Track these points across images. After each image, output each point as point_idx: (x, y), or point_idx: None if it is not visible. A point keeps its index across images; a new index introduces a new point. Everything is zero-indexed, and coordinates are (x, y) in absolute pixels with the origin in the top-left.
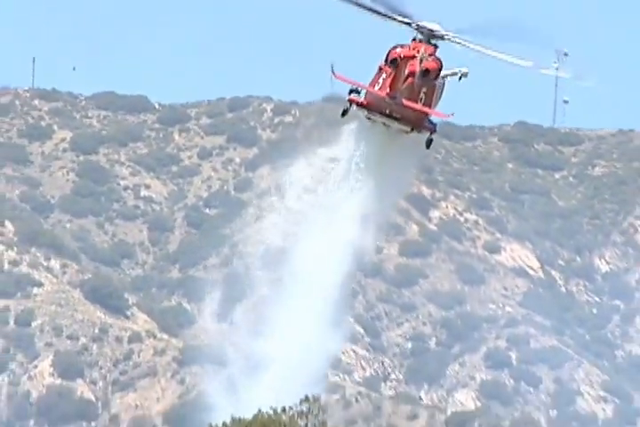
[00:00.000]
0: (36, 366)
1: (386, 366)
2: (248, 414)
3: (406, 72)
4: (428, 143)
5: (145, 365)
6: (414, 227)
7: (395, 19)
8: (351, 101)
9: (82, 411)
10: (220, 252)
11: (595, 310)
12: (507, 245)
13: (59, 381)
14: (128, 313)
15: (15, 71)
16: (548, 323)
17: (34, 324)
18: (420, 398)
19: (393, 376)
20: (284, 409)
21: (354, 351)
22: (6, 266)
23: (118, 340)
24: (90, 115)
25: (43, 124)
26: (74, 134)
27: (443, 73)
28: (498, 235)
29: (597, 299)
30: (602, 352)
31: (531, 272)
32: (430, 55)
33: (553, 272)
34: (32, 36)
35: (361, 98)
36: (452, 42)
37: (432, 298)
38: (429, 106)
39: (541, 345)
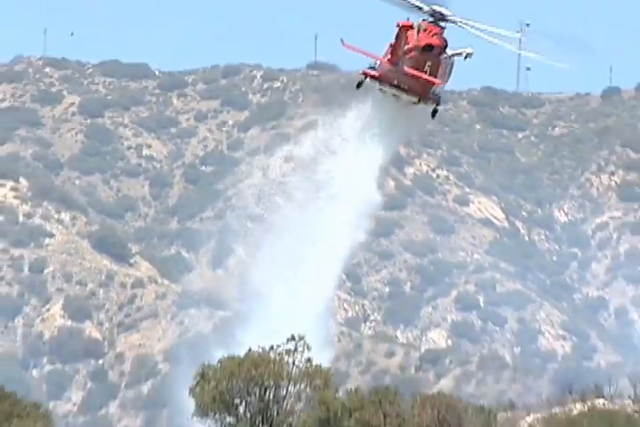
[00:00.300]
0: (48, 310)
1: (366, 308)
2: (240, 353)
3: (409, 44)
4: (433, 113)
5: (147, 308)
6: (391, 182)
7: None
8: (365, 74)
9: (90, 350)
10: (214, 205)
11: (554, 257)
12: (475, 198)
13: (69, 322)
14: (131, 261)
15: (28, 42)
16: (512, 269)
17: (46, 271)
18: (397, 338)
19: (372, 318)
20: (272, 347)
21: (337, 295)
22: (21, 218)
23: (123, 285)
24: (96, 81)
25: (53, 89)
26: (82, 99)
27: (450, 53)
28: (466, 189)
29: (557, 247)
30: (561, 295)
31: (496, 223)
32: (431, 31)
33: (516, 223)
34: (43, 9)
35: (374, 71)
36: (458, 25)
37: (407, 247)
38: (433, 82)
39: (506, 289)
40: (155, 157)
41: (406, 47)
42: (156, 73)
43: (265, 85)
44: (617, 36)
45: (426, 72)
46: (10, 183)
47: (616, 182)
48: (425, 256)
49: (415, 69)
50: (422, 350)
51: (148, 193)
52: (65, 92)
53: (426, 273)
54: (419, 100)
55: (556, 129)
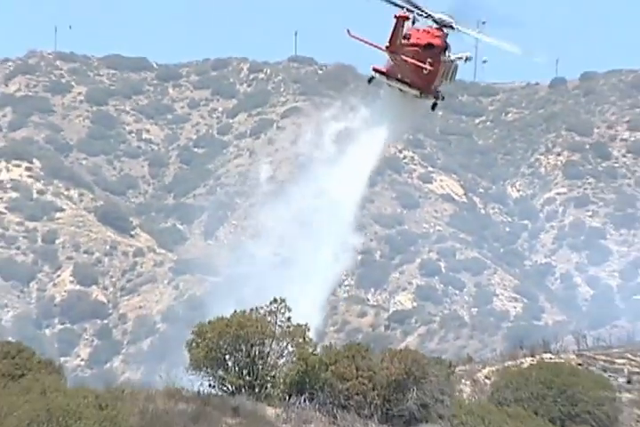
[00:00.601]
0: (59, 276)
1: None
2: (228, 314)
3: (411, 40)
4: (433, 106)
5: (146, 274)
6: None
7: (414, 8)
8: (375, 70)
9: (96, 311)
10: (206, 183)
11: (507, 229)
12: (437, 176)
13: (77, 287)
14: (132, 233)
15: (40, 38)
16: (470, 239)
17: (57, 241)
18: (368, 300)
19: (346, 282)
20: (256, 308)
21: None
22: (35, 195)
23: (125, 254)
24: (101, 73)
25: (63, 80)
26: (88, 89)
27: (452, 57)
28: (430, 168)
29: (509, 219)
30: (513, 262)
31: (456, 198)
32: (434, 33)
33: (474, 198)
34: (54, 9)
35: (382, 67)
36: (461, 32)
37: (377, 219)
38: (434, 78)
39: (465, 257)
40: (153, 140)
41: (408, 42)
42: (154, 65)
43: (251, 76)
44: (562, 31)
45: (426, 69)
46: (25, 164)
47: (562, 162)
48: (393, 228)
49: (415, 68)
50: (391, 311)
51: (147, 172)
52: (73, 83)
53: (394, 243)
54: (420, 94)
55: (509, 115)
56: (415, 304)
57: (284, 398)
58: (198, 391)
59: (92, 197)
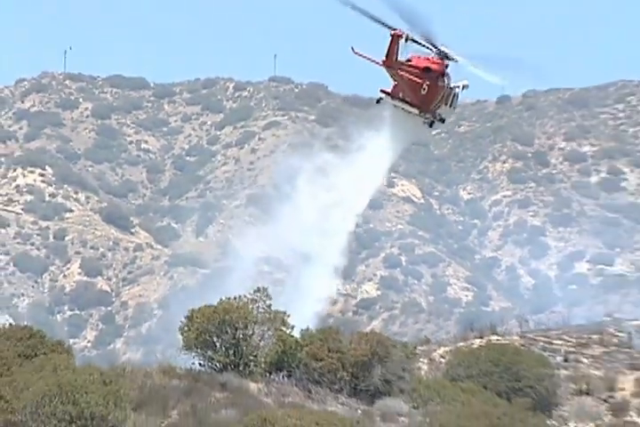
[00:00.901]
0: (68, 268)
1: None
2: (215, 302)
3: (411, 62)
4: (430, 124)
5: (145, 267)
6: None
7: (423, 41)
8: (382, 91)
9: (101, 299)
10: (197, 187)
11: (459, 227)
12: (399, 181)
13: (84, 278)
14: (133, 231)
15: (52, 60)
16: (427, 236)
17: (66, 238)
18: (339, 289)
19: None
20: (240, 297)
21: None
22: (47, 198)
23: (126, 249)
24: (105, 91)
25: (72, 98)
26: (93, 105)
27: (452, 84)
28: (393, 174)
29: (461, 218)
30: (465, 256)
31: (415, 200)
32: (434, 61)
33: (431, 200)
34: (64, 35)
35: (387, 89)
36: (461, 64)
37: None
38: (432, 99)
39: (422, 251)
40: (150, 149)
41: (410, 65)
42: (152, 85)
43: (236, 94)
44: (509, 53)
45: (424, 90)
46: (38, 171)
47: (507, 169)
48: (360, 226)
49: (413, 88)
50: (358, 298)
51: (146, 178)
52: (81, 100)
53: (361, 239)
54: (420, 112)
55: (461, 127)
56: (379, 293)
57: (265, 375)
58: (190, 369)
59: (97, 199)
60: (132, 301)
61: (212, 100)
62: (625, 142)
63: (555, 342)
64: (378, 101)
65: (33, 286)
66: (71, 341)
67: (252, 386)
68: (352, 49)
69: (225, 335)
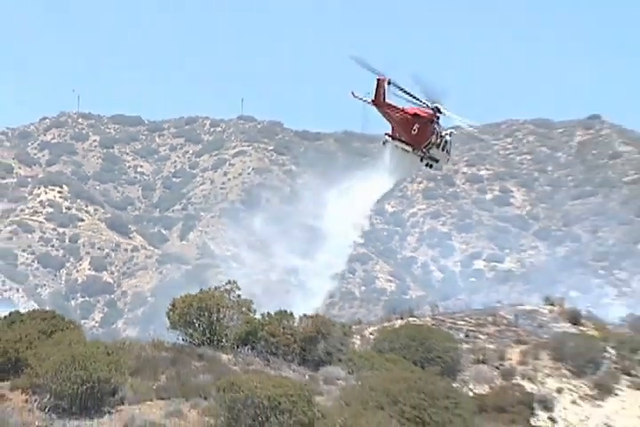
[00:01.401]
0: (80, 265)
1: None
2: (195, 291)
3: (404, 109)
4: (421, 159)
5: (140, 263)
6: (287, 187)
7: (416, 100)
8: (386, 134)
9: (105, 289)
10: (181, 202)
11: (385, 233)
12: None
13: (93, 272)
14: (131, 235)
15: (68, 102)
16: (361, 240)
17: (79, 241)
18: (291, 281)
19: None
20: (216, 288)
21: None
22: (64, 210)
23: (125, 250)
24: (109, 127)
25: (83, 132)
26: (100, 138)
27: (443, 133)
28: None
29: (387, 227)
30: (389, 256)
31: None
32: (425, 110)
33: None
34: (78, 82)
35: (389, 132)
36: (449, 117)
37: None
38: (422, 139)
39: (357, 252)
40: (144, 172)
41: (404, 111)
42: (146, 122)
43: (211, 129)
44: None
45: (414, 131)
46: (57, 189)
47: (422, 188)
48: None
49: (405, 128)
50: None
51: (141, 195)
52: (90, 133)
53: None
54: (413, 150)
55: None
56: None
57: (234, 348)
58: (175, 344)
59: (103, 211)
60: (130, 290)
61: (192, 134)
62: (513, 167)
63: (458, 322)
64: (384, 143)
65: (52, 279)
66: (82, 321)
67: (224, 357)
68: (352, 93)
69: (202, 318)
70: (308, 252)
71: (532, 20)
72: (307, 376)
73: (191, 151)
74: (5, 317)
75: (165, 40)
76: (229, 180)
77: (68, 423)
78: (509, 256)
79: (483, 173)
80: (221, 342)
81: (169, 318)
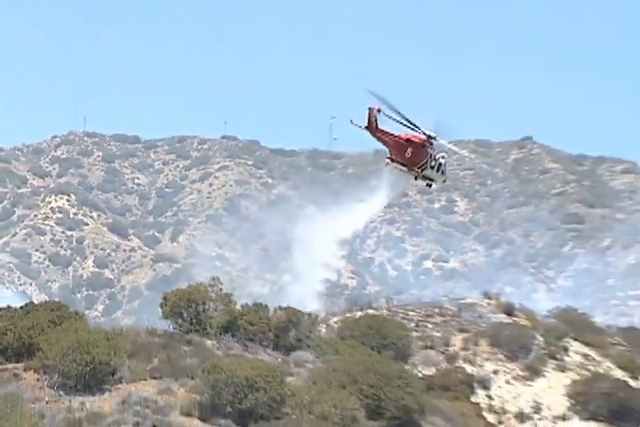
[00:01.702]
0: (85, 262)
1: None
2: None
3: (400, 135)
4: (415, 178)
5: (137, 262)
6: (264, 197)
7: (411, 126)
8: (387, 158)
9: (107, 283)
10: (172, 209)
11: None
12: (307, 205)
13: (96, 269)
14: (129, 238)
15: (75, 122)
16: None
17: (84, 243)
18: (266, 277)
19: (253, 268)
20: (201, 283)
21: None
22: (71, 215)
23: (124, 251)
24: (111, 144)
25: (88, 148)
26: (103, 153)
27: (437, 156)
28: (302, 202)
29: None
30: (352, 256)
31: None
32: (417, 136)
33: None
34: (85, 104)
35: (389, 156)
36: (440, 143)
37: (268, 232)
38: (416, 161)
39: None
40: (141, 183)
41: (400, 137)
42: (142, 140)
43: (199, 147)
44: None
45: (408, 154)
46: (66, 197)
47: None
48: (282, 236)
49: (399, 151)
50: (279, 285)
51: (138, 203)
52: (94, 150)
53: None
54: (408, 169)
55: (349, 170)
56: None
57: (217, 335)
58: (166, 331)
59: (105, 217)
60: (127, 285)
61: (182, 151)
62: (457, 181)
63: (409, 313)
64: (386, 165)
65: (61, 275)
66: (86, 311)
67: (208, 343)
68: (350, 121)
69: (190, 309)
70: (285, 254)
71: (472, 50)
72: (279, 360)
73: (181, 166)
74: (21, 307)
75: (160, 68)
76: (214, 190)
77: (74, 399)
78: (454, 257)
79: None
80: (206, 329)
81: (161, 309)
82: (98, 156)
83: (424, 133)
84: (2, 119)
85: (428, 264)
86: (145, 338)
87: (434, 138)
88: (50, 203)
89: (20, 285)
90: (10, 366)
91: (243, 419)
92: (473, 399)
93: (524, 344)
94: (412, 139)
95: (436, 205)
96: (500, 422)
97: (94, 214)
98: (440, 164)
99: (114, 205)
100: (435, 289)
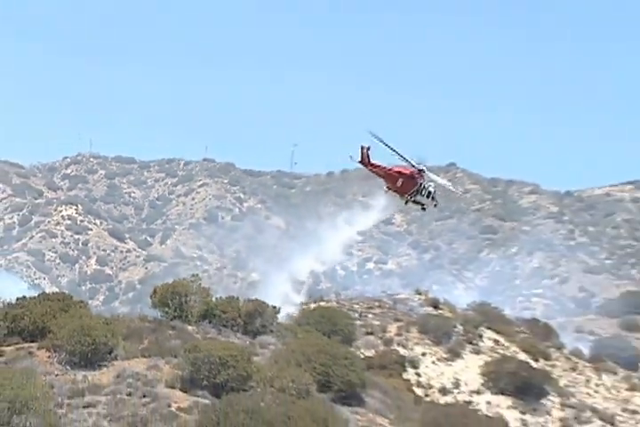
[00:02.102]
0: (89, 261)
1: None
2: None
3: (392, 167)
4: (406, 202)
5: (132, 261)
6: (237, 209)
7: (402, 158)
8: (386, 186)
9: (107, 278)
10: (161, 218)
11: None
12: (272, 216)
13: (98, 267)
14: (126, 241)
15: (82, 146)
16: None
17: (88, 245)
18: (237, 275)
19: (227, 266)
20: (184, 279)
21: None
22: (78, 222)
23: (122, 252)
24: (112, 164)
25: (93, 167)
26: (105, 172)
27: (427, 185)
28: (268, 213)
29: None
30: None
31: (281, 228)
32: (407, 168)
33: (291, 228)
34: (92, 130)
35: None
36: (426, 173)
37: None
38: (406, 189)
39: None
40: (136, 197)
41: (391, 169)
42: (137, 161)
43: (184, 167)
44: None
45: (399, 183)
46: (74, 207)
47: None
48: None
49: (392, 181)
50: (249, 280)
51: (133, 212)
52: (98, 169)
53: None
54: (400, 196)
55: (307, 188)
56: (259, 278)
57: (196, 322)
58: (155, 318)
59: (106, 223)
60: (124, 280)
61: (171, 171)
62: (395, 199)
63: (354, 305)
64: (385, 192)
65: (69, 271)
66: (89, 301)
67: (189, 328)
68: (350, 157)
69: (174, 300)
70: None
71: (404, 84)
72: (247, 342)
73: (169, 182)
74: (35, 297)
75: (155, 101)
76: (196, 203)
77: (78, 373)
78: (391, 260)
79: (374, 203)
80: (187, 317)
81: (151, 299)
82: (101, 173)
83: (414, 166)
84: (23, 143)
85: (370, 266)
86: (137, 323)
87: (422, 170)
88: (61, 212)
89: (36, 279)
90: (26, 345)
91: (217, 391)
92: (404, 376)
93: (447, 332)
94: (403, 171)
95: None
96: (427, 395)
97: (97, 221)
98: (430, 191)
99: (113, 214)
100: (375, 286)
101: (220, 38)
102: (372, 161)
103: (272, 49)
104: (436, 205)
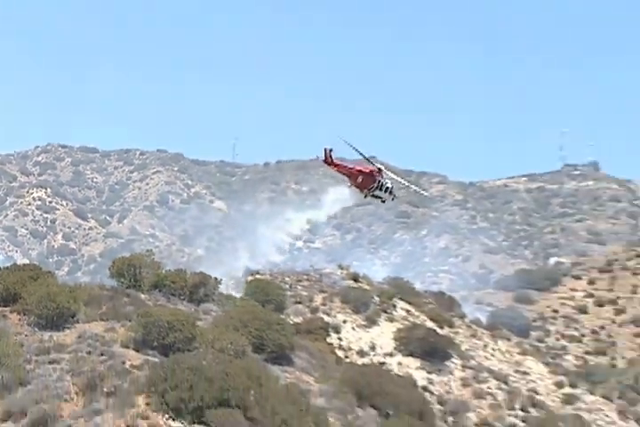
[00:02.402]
0: (56, 236)
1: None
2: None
3: (353, 166)
4: (365, 196)
5: (93, 237)
6: (185, 193)
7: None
8: (351, 184)
9: (71, 252)
10: (120, 201)
11: None
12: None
13: (64, 242)
14: (89, 220)
15: (51, 137)
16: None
17: (56, 222)
18: (184, 251)
19: (177, 243)
20: (138, 253)
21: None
22: (47, 203)
23: (85, 229)
24: (77, 153)
25: (61, 156)
26: (72, 159)
27: (384, 181)
28: (213, 201)
29: None
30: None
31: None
32: (367, 167)
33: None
34: (62, 124)
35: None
36: (384, 171)
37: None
38: (365, 185)
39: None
40: (98, 182)
41: (355, 168)
42: (100, 151)
43: (140, 157)
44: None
45: (359, 180)
46: (44, 190)
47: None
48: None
49: (353, 178)
50: (194, 256)
51: (95, 195)
52: (65, 157)
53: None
54: (360, 191)
55: (247, 176)
56: (204, 253)
57: (149, 291)
58: (112, 286)
59: (72, 204)
60: (87, 253)
61: (128, 159)
62: None
63: (286, 278)
64: (348, 187)
65: (39, 245)
66: (56, 272)
67: (142, 296)
68: (317, 157)
69: (129, 271)
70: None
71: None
72: (193, 309)
73: (127, 170)
74: (9, 267)
75: (115, 97)
76: (150, 188)
77: (45, 334)
78: (318, 240)
79: (304, 188)
80: (141, 286)
81: (109, 271)
82: (68, 161)
83: (374, 166)
84: (0, 134)
85: (300, 244)
86: (97, 291)
87: (381, 169)
88: (32, 194)
89: (9, 251)
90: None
91: (165, 350)
92: (328, 340)
93: (365, 302)
94: (363, 169)
95: (307, 203)
96: (347, 357)
97: (64, 203)
98: (387, 187)
99: (78, 197)
100: (304, 262)
101: (172, 39)
102: (335, 161)
103: (221, 53)
104: (393, 199)
